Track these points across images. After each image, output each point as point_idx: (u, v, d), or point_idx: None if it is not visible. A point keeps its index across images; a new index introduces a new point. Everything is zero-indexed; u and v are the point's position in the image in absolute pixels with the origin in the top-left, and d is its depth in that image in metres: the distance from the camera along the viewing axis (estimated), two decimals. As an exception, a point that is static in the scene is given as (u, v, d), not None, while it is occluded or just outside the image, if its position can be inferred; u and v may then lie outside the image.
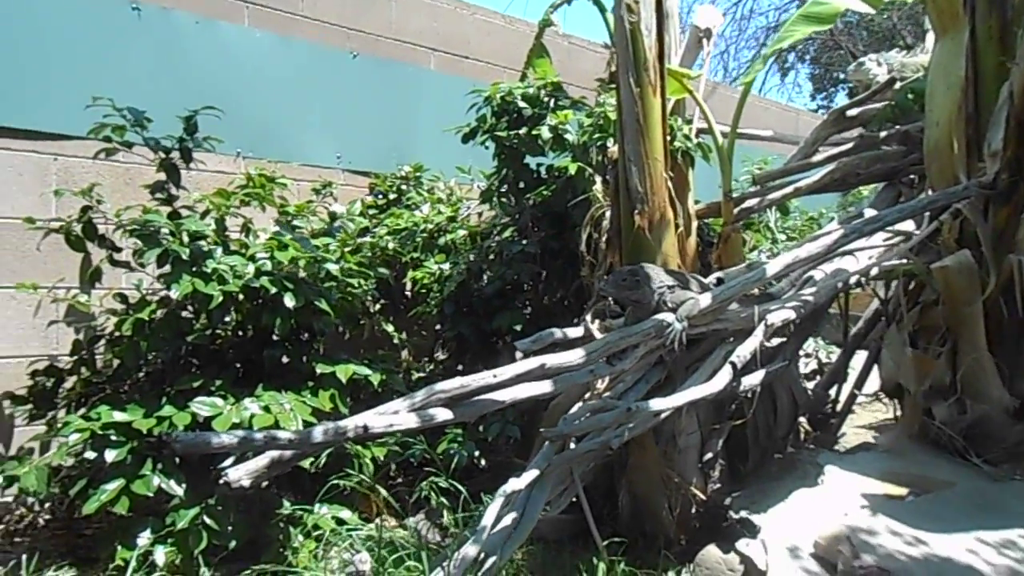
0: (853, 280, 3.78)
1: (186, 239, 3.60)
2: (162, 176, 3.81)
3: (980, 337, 3.62)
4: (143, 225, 3.55)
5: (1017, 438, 3.57)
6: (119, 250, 3.84)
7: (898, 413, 4.40)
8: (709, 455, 3.50)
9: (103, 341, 3.92)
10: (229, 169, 4.88)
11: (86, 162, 4.29)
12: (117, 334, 3.72)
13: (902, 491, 3.23)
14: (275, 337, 3.80)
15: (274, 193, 4.22)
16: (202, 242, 3.68)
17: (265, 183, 4.17)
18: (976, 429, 3.64)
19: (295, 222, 4.35)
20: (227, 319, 3.82)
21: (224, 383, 3.55)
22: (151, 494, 3.20)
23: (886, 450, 3.86)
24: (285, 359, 3.81)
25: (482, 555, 2.71)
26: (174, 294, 3.41)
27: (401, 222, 5.04)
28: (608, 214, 3.89)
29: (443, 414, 2.68)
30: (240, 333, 3.88)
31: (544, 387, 2.88)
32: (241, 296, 3.66)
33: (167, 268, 3.51)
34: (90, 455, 3.21)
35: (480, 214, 5.37)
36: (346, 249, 4.31)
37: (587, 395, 3.45)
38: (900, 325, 4.00)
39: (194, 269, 3.53)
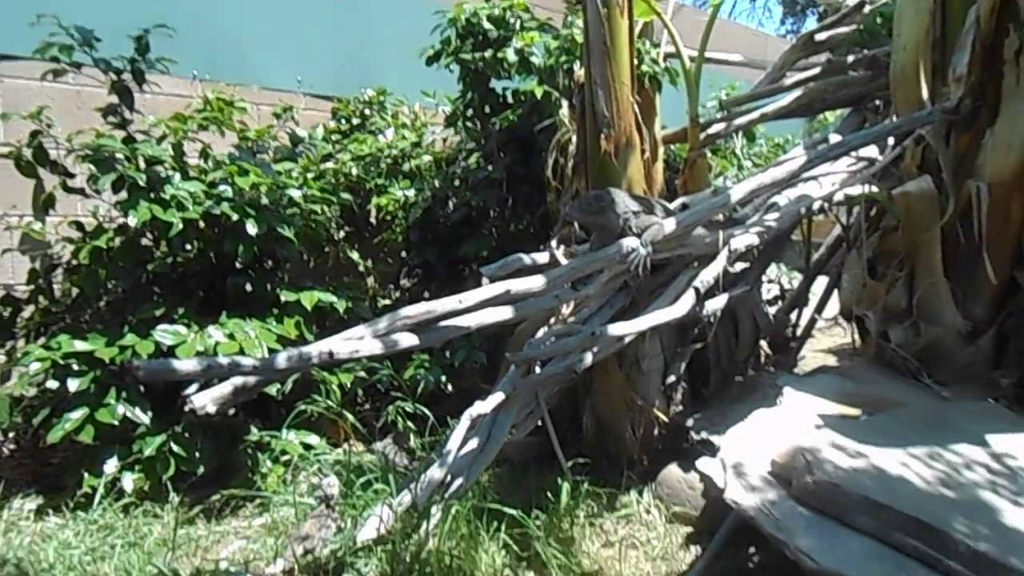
0: (816, 206, 3.81)
1: (142, 164, 3.51)
2: (114, 99, 3.67)
3: (937, 262, 3.69)
4: (96, 150, 3.44)
5: (967, 360, 3.68)
6: (72, 176, 3.72)
7: (856, 337, 4.50)
8: (672, 378, 3.57)
9: (60, 270, 3.84)
10: (185, 92, 4.72)
11: (33, 84, 4.12)
12: (75, 262, 3.65)
13: (856, 411, 3.33)
14: (238, 265, 3.76)
15: (233, 117, 4.11)
16: (159, 167, 3.59)
17: (223, 107, 4.06)
18: (929, 351, 3.74)
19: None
20: (188, 247, 3.76)
21: (187, 311, 3.51)
22: (116, 422, 3.20)
23: (843, 372, 3.96)
24: (249, 287, 3.77)
25: (448, 477, 2.76)
26: (132, 221, 3.34)
27: (365, 147, 4.95)
28: (574, 139, 3.86)
29: (408, 339, 2.69)
30: (202, 261, 3.83)
31: (509, 313, 2.89)
32: (202, 223, 3.59)
33: (124, 194, 3.43)
34: (52, 384, 3.19)
35: (445, 139, 5.29)
36: (309, 175, 4.24)
37: (552, 320, 3.49)
38: (860, 250, 4.06)
39: (152, 195, 3.45)
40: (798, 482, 2.68)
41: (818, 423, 3.10)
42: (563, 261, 3.27)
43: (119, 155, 3.47)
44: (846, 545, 2.45)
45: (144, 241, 3.67)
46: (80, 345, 3.23)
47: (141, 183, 3.41)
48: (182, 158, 3.75)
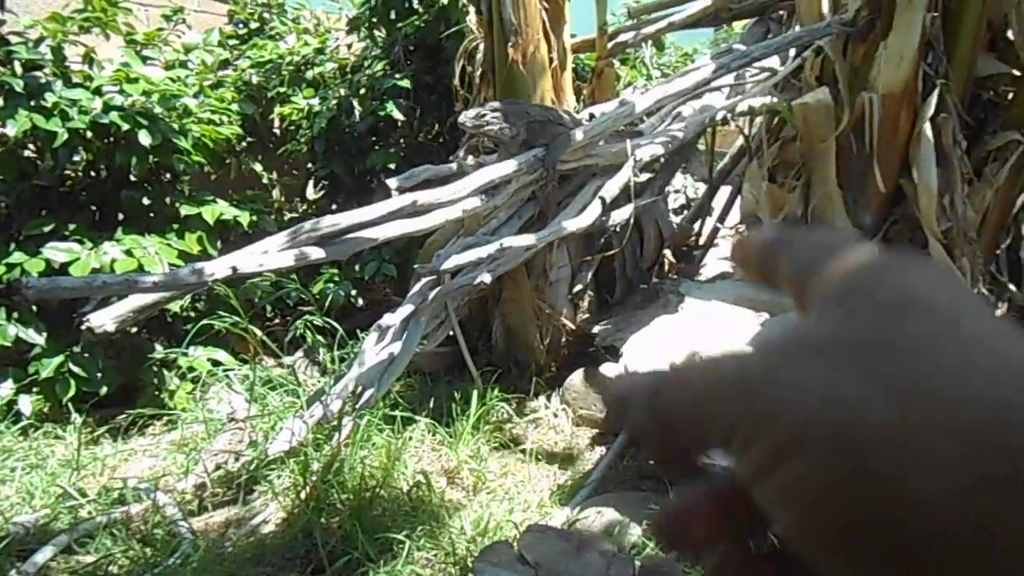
0: (720, 116, 3.88)
1: (19, 70, 3.28)
2: (-18, -3, 3.38)
3: (831, 172, 3.83)
4: (-35, 53, 3.19)
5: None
6: (-60, 82, 3.44)
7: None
8: (579, 287, 3.65)
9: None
10: (63, -10, 4.37)
11: None
12: (-49, 176, 3.42)
13: (753, 315, 3.49)
14: (132, 178, 3.59)
15: (118, 19, 3.85)
16: (38, 73, 3.36)
17: (106, 7, 3.79)
18: (822, 257, 3.93)
19: (145, 52, 4.01)
20: (76, 159, 3.56)
21: (79, 227, 3.36)
22: (8, 344, 3.07)
23: (741, 278, 4.13)
24: (146, 201, 3.63)
25: (359, 388, 2.79)
26: (11, 131, 3.14)
27: (265, 54, 4.74)
28: (482, 47, 3.78)
29: (314, 253, 2.66)
30: (92, 174, 3.64)
31: (417, 224, 2.88)
32: (89, 133, 3.40)
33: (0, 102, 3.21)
34: (-65, 305, 3.03)
35: (350, 46, 5.10)
36: (205, 83, 4.04)
37: (461, 231, 3.49)
38: (760, 160, 4.17)
39: (32, 103, 3.24)
40: (696, 383, 2.81)
41: (716, 327, 3.25)
42: (471, 172, 3.25)
43: (-8, 59, 3.23)
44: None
45: (26, 153, 3.46)
46: (-37, 264, 3.07)
47: (19, 89, 3.19)
48: (63, 63, 3.51)
